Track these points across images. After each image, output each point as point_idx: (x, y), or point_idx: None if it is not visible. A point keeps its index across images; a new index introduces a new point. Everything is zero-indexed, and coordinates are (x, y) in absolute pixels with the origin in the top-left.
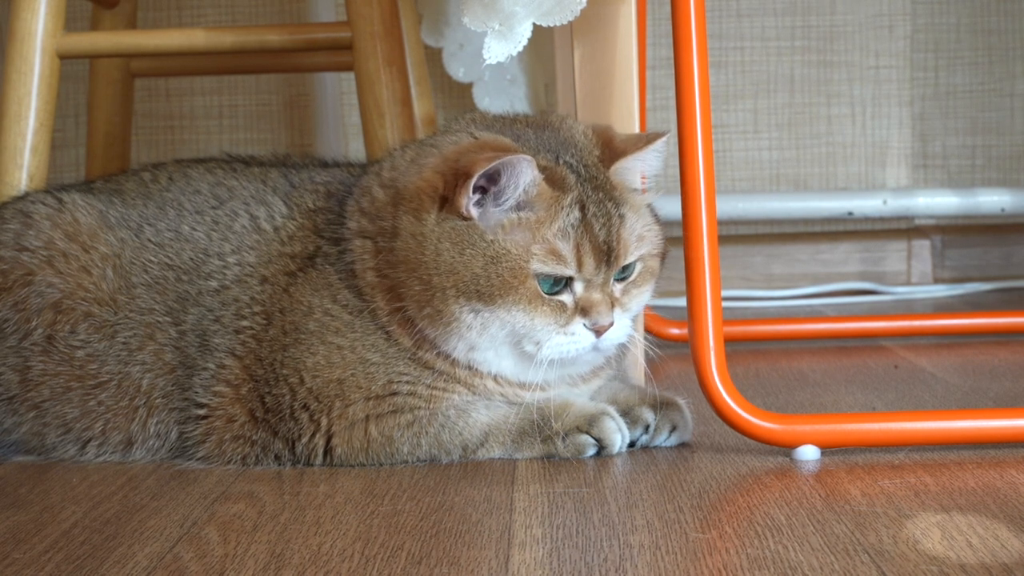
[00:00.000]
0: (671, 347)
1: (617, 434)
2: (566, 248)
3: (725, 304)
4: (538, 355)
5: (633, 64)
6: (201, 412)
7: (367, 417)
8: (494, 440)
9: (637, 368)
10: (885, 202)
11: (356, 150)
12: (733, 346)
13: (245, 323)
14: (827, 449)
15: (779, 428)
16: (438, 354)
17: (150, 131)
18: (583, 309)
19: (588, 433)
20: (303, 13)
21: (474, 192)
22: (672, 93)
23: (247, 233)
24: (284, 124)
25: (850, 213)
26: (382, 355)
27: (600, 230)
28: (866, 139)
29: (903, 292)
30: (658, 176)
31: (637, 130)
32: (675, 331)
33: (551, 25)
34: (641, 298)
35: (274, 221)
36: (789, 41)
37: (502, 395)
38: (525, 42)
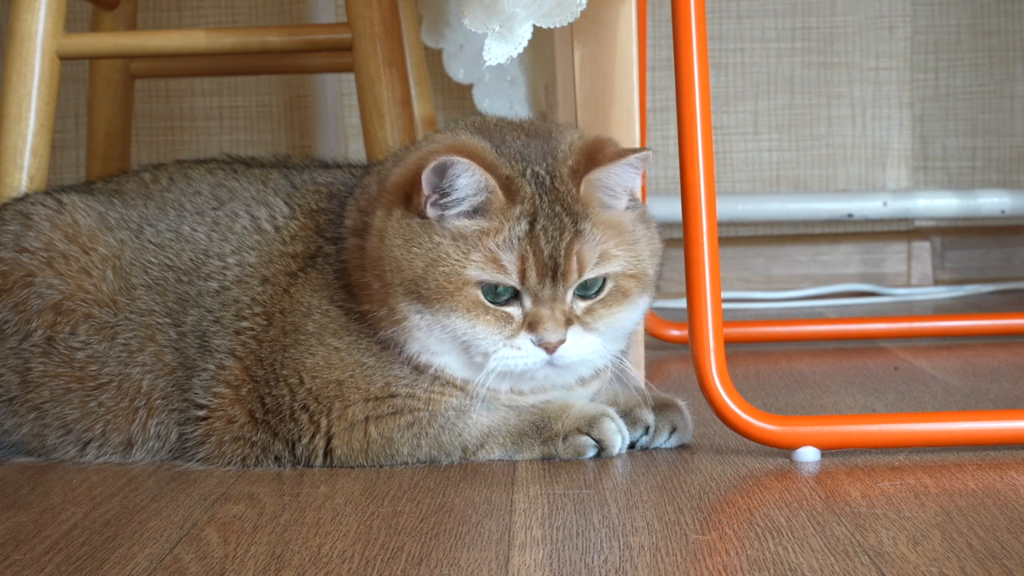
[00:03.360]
0: (671, 348)
1: (617, 435)
2: (509, 259)
3: (725, 306)
4: (486, 366)
5: (633, 65)
6: (201, 413)
7: (367, 418)
8: (494, 441)
9: (638, 369)
10: (885, 204)
11: (356, 151)
12: (733, 347)
13: (245, 324)
14: (827, 451)
15: (779, 430)
16: (408, 359)
17: (150, 132)
18: (530, 324)
19: (588, 434)
20: (303, 14)
21: (434, 193)
22: (672, 94)
23: (248, 234)
24: (284, 125)
25: (850, 215)
26: (376, 358)
27: (546, 244)
28: (866, 140)
29: (903, 294)
30: (632, 190)
31: (637, 132)
32: (675, 332)
33: (551, 27)
34: (612, 320)
35: (275, 221)
36: (789, 43)
37: (497, 398)
38: (525, 43)
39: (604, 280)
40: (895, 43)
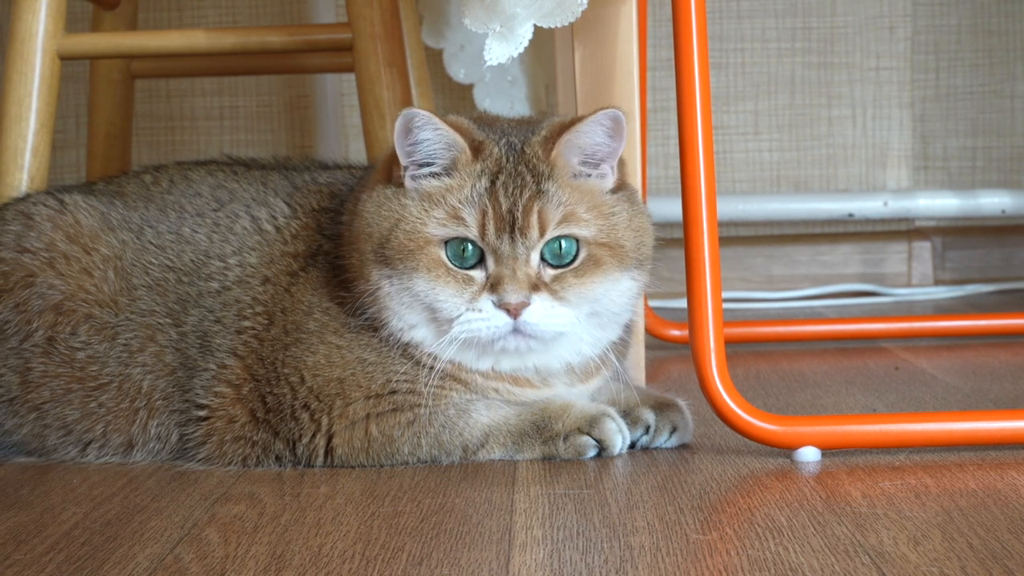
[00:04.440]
0: (671, 348)
1: (618, 435)
2: (469, 213)
3: (725, 305)
4: (450, 332)
5: (634, 65)
6: (202, 413)
7: (368, 416)
8: (494, 441)
9: (638, 369)
10: (886, 203)
11: (356, 151)
12: (733, 347)
13: (247, 323)
14: (828, 450)
15: (780, 429)
16: (393, 339)
17: (151, 132)
18: (492, 285)
19: (589, 434)
20: (304, 14)
21: (408, 160)
22: (673, 94)
23: (248, 235)
24: (284, 125)
25: (851, 214)
26: (377, 354)
27: (505, 198)
28: (867, 140)
29: (903, 294)
30: (606, 148)
31: (637, 131)
32: (675, 332)
33: (552, 26)
34: (584, 290)
35: (276, 222)
36: (790, 43)
37: (495, 391)
38: (526, 43)
39: (577, 250)
40: (895, 43)
